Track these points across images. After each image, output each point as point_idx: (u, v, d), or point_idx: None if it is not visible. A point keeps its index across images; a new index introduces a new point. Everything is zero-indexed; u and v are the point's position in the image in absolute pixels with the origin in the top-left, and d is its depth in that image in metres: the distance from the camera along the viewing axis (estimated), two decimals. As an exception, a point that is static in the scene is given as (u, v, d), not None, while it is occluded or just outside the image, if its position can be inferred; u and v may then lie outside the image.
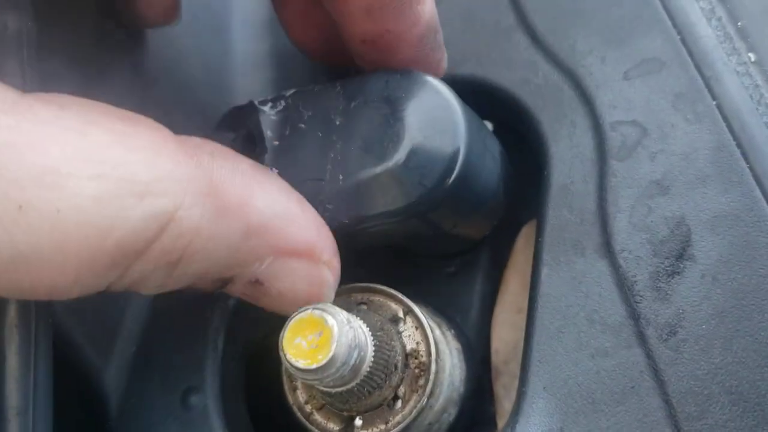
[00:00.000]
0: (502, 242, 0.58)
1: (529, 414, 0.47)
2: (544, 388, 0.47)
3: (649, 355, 0.45)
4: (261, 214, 0.39)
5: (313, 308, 0.42)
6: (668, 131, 0.48)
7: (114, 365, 0.52)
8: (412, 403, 0.47)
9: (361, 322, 0.44)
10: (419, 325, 0.48)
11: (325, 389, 0.44)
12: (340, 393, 0.45)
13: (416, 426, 0.48)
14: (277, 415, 0.54)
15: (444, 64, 0.50)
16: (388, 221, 0.46)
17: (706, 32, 0.49)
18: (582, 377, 0.46)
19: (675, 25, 0.49)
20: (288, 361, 0.41)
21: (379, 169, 0.44)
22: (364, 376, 0.44)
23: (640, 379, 0.45)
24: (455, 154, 0.45)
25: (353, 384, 0.44)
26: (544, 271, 0.49)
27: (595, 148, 0.49)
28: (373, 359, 0.44)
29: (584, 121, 0.50)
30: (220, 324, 0.52)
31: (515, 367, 0.56)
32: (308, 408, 0.49)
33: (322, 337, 0.41)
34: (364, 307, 0.50)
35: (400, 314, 0.49)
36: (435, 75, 0.47)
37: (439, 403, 0.50)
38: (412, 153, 0.44)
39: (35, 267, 0.32)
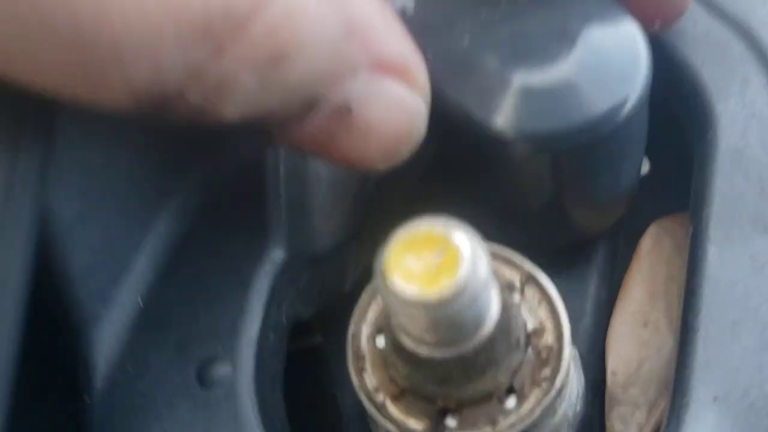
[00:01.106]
0: (622, 242, 0.46)
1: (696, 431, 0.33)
2: (715, 399, 0.34)
3: None
4: (363, 11, 0.30)
5: (432, 220, 0.29)
6: None
7: (110, 318, 0.38)
8: (532, 400, 0.33)
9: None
10: (545, 298, 0.36)
11: (424, 351, 0.31)
12: (443, 363, 0.31)
13: (529, 438, 0.35)
14: (323, 411, 0.40)
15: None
16: (520, 145, 0.35)
17: None
18: (769, 387, 0.34)
19: None
20: (393, 288, 0.28)
21: (542, 70, 0.34)
22: (486, 338, 0.31)
23: None
24: (636, 86, 0.35)
25: (469, 346, 0.30)
26: (712, 251, 0.37)
27: (776, 106, 0.39)
28: (499, 317, 0.31)
29: (759, 78, 0.40)
30: (266, 280, 0.39)
31: (638, 395, 0.42)
32: (380, 397, 0.35)
33: (446, 259, 0.29)
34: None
35: (517, 283, 0.36)
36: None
37: (559, 414, 0.36)
38: (592, 65, 0.35)
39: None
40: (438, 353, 0.31)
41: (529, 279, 0.36)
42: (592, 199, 0.42)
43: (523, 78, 0.36)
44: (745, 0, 0.43)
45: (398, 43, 0.32)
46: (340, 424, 0.46)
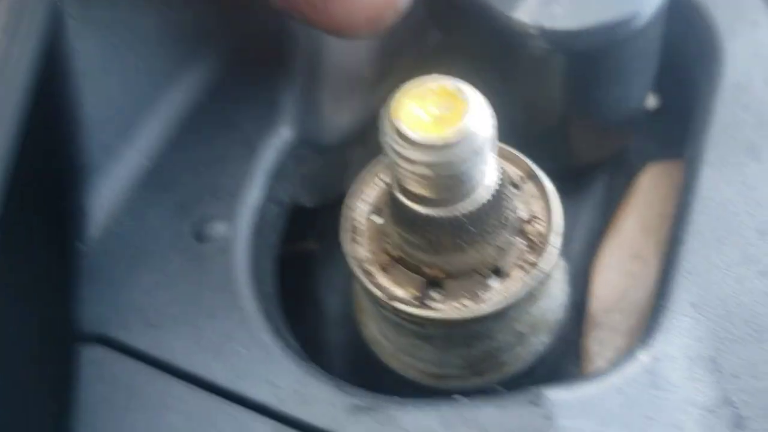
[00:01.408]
0: (620, 177, 0.47)
1: (671, 333, 0.34)
2: (693, 305, 0.35)
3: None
4: None
5: (441, 77, 0.30)
6: None
7: (114, 173, 0.39)
8: (515, 280, 0.34)
9: None
10: (541, 195, 0.36)
11: (425, 210, 0.31)
12: (440, 224, 0.32)
13: (507, 323, 0.35)
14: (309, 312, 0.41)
15: None
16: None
17: None
18: (746, 298, 0.35)
19: None
20: (399, 130, 0.29)
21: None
22: (481, 204, 0.32)
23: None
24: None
25: (466, 210, 0.31)
26: (706, 172, 0.38)
27: (783, 49, 0.41)
28: (496, 187, 0.32)
29: (768, 23, 0.42)
30: (273, 155, 0.40)
31: (619, 321, 0.43)
32: (370, 267, 0.36)
33: (453, 112, 0.30)
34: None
35: (517, 179, 0.37)
36: None
37: (538, 307, 0.37)
38: None
39: None
40: (434, 212, 0.32)
41: (530, 175, 0.37)
42: (598, 115, 0.42)
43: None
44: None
45: None
46: (324, 327, 0.47)
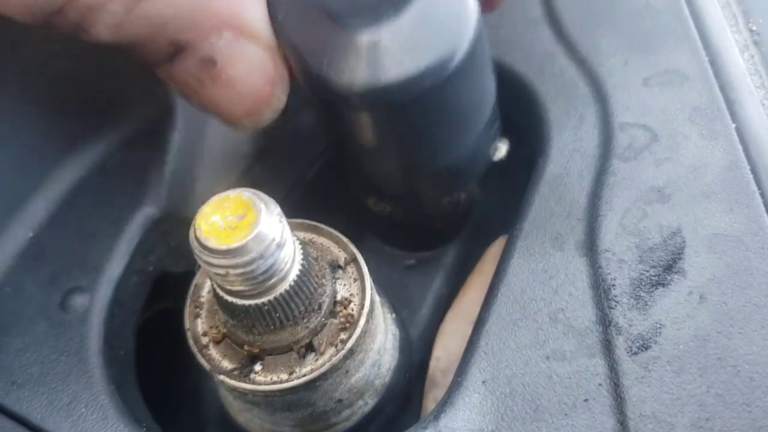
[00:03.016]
0: (472, 249, 0.52)
1: (459, 408, 0.39)
2: (484, 382, 0.39)
3: (612, 368, 0.38)
4: None
5: (244, 190, 0.35)
6: (680, 141, 0.44)
7: (1, 245, 0.45)
8: (326, 357, 0.39)
9: (294, 237, 0.37)
10: (359, 278, 0.41)
11: (231, 299, 0.37)
12: (247, 311, 0.37)
13: (322, 393, 0.40)
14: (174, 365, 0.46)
15: None
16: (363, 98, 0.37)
17: (737, 60, 0.46)
18: (530, 378, 0.39)
19: (706, 46, 0.46)
20: (197, 238, 0.34)
21: (379, 22, 0.36)
22: (280, 295, 0.37)
23: (597, 392, 0.38)
24: (464, 37, 0.36)
25: (265, 299, 0.36)
26: (514, 259, 0.43)
27: (600, 145, 0.45)
28: (295, 280, 0.37)
29: (593, 118, 0.46)
30: (137, 231, 0.45)
31: (453, 382, 0.48)
32: (205, 340, 0.41)
33: (245, 220, 0.34)
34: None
35: (341, 262, 0.42)
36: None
37: (357, 377, 0.41)
38: (422, 16, 0.36)
39: None
40: (240, 302, 0.37)
41: (352, 261, 0.42)
42: (432, 162, 0.43)
43: (358, 33, 0.36)
44: (600, 47, 0.48)
45: (261, 16, 0.37)
46: (185, 380, 0.52)
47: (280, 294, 0.37)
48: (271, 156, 0.52)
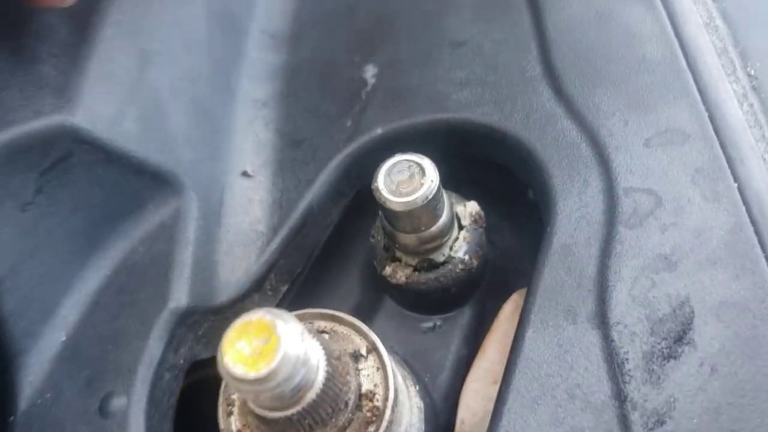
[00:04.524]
0: (489, 307, 0.53)
1: (485, 488, 0.41)
2: (507, 462, 0.41)
3: (630, 445, 0.40)
4: None
5: (266, 311, 0.37)
6: (684, 205, 0.44)
7: (37, 350, 0.47)
8: (356, 451, 0.41)
9: (317, 343, 0.39)
10: (381, 367, 0.43)
11: (261, 411, 0.39)
12: (277, 421, 0.39)
13: (356, 482, 0.42)
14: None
15: None
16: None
17: (737, 114, 0.46)
18: (551, 457, 0.41)
19: (704, 102, 0.47)
20: (224, 366, 0.36)
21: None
22: (308, 404, 0.38)
23: (617, 469, 0.40)
24: None
25: (293, 411, 0.38)
26: (529, 333, 0.44)
27: (605, 211, 0.46)
28: (322, 387, 0.39)
29: (597, 182, 0.47)
30: (165, 328, 0.47)
31: (479, 443, 0.50)
32: (240, 438, 0.43)
33: (269, 345, 0.36)
34: (326, 336, 0.45)
35: (363, 351, 0.44)
36: None
37: (386, 461, 0.44)
38: None
39: None
40: (269, 415, 0.38)
41: (373, 349, 0.44)
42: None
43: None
44: (600, 106, 0.49)
45: None
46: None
47: (308, 403, 0.38)
48: (286, 230, 0.53)
